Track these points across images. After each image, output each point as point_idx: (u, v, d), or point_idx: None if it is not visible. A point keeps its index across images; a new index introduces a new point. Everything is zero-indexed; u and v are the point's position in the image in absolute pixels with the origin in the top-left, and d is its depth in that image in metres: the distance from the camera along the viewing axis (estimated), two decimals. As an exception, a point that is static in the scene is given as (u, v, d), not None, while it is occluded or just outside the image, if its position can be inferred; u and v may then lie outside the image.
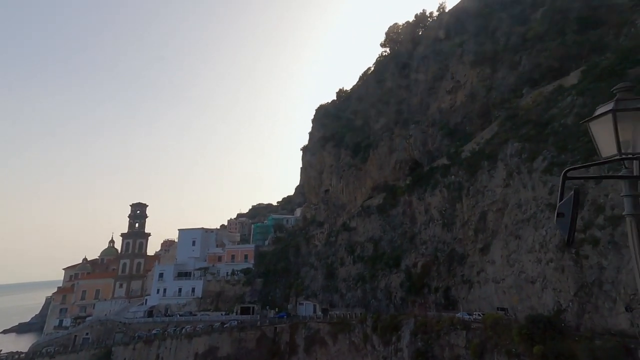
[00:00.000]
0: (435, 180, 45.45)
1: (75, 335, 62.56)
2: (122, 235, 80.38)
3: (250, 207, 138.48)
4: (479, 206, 37.64)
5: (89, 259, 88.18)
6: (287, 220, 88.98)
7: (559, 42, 40.01)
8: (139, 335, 57.22)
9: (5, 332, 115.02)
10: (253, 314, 59.90)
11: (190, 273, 70.07)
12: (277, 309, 59.89)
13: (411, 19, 76.79)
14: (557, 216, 1.81)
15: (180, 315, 61.68)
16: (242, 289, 65.85)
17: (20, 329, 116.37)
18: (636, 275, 1.81)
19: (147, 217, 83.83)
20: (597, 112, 2.17)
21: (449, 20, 62.84)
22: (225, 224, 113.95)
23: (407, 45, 70.36)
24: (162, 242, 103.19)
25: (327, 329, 48.18)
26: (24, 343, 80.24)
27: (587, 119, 2.27)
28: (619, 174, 2.01)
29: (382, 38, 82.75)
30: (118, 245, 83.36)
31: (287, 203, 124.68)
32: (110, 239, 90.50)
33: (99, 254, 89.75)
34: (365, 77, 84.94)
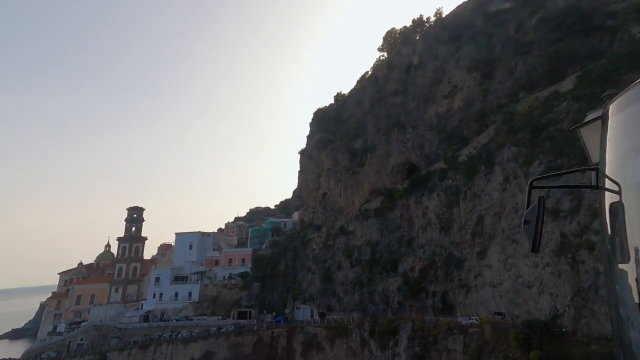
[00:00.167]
0: (433, 184, 45.59)
1: (70, 341, 61.87)
2: (119, 239, 79.82)
3: (248, 211, 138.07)
4: (476, 210, 37.76)
5: (84, 263, 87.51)
6: (285, 224, 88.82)
7: (555, 48, 40.41)
8: (135, 340, 56.67)
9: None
10: (250, 318, 59.55)
11: (187, 277, 69.63)
12: (274, 313, 59.57)
13: (408, 23, 77.38)
14: (524, 223, 1.88)
15: (176, 320, 61.19)
16: (239, 293, 65.48)
17: (14, 335, 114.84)
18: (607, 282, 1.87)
19: (143, 220, 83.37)
20: (587, 119, 2.21)
21: (446, 26, 63.39)
22: (223, 227, 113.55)
23: (404, 50, 70.80)
24: (158, 246, 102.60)
25: (325, 333, 47.95)
26: (17, 349, 79.17)
27: (577, 125, 2.33)
28: (580, 184, 2.08)
29: (380, 42, 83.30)
30: (114, 249, 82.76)
31: (284, 206, 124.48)
32: (106, 243, 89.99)
33: (94, 258, 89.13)
34: (362, 81, 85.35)
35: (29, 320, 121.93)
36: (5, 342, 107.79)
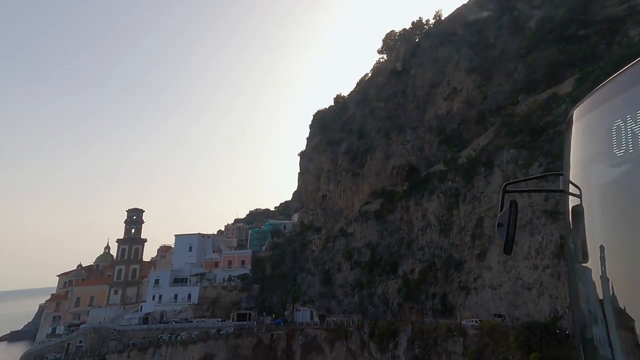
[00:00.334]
0: (432, 186, 45.64)
1: (69, 344, 61.66)
2: (118, 241, 79.74)
3: (248, 213, 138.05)
4: (475, 212, 37.80)
5: (84, 265, 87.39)
6: (285, 226, 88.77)
7: (553, 51, 40.58)
8: (134, 342, 56.52)
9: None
10: (249, 320, 59.42)
11: (186, 279, 69.51)
12: (274, 316, 59.45)
13: (408, 26, 77.60)
14: (498, 225, 1.97)
15: (175, 322, 61.05)
16: (238, 295, 65.36)
17: (12, 337, 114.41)
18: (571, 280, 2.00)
19: (143, 222, 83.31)
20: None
21: (445, 28, 63.61)
22: (223, 229, 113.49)
23: (403, 52, 71.00)
24: (158, 247, 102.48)
25: (324, 335, 47.89)
26: (15, 352, 78.95)
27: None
28: (549, 188, 2.16)
29: (379, 45, 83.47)
30: (114, 251, 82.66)
31: (284, 208, 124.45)
32: (105, 244, 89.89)
33: (94, 260, 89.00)
34: (362, 83, 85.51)
35: (28, 323, 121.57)
36: (4, 344, 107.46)
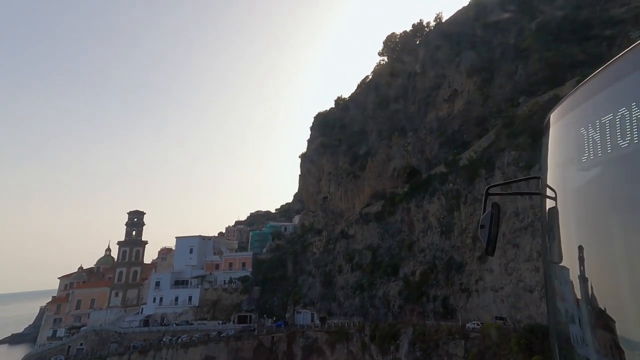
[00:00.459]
0: (433, 188, 45.59)
1: (69, 346, 61.54)
2: (119, 243, 79.74)
3: (249, 215, 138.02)
4: (476, 214, 37.70)
5: (85, 268, 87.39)
6: (285, 228, 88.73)
7: (554, 53, 40.61)
8: (135, 345, 56.42)
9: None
10: (250, 322, 59.26)
11: (187, 281, 69.46)
12: (274, 318, 59.31)
13: (408, 28, 77.77)
14: (480, 227, 2.02)
15: (176, 325, 60.93)
16: (239, 298, 65.26)
17: (13, 340, 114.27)
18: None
19: (144, 224, 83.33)
20: None
21: (446, 30, 63.72)
22: (223, 231, 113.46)
23: (404, 54, 71.12)
24: (159, 249, 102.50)
25: (325, 338, 47.75)
26: (16, 354, 78.88)
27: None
28: (530, 191, 2.26)
29: (380, 47, 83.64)
30: (115, 253, 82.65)
31: (285, 210, 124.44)
32: (106, 247, 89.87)
33: (95, 262, 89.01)
34: (363, 85, 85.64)
35: (29, 325, 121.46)
36: (4, 347, 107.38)
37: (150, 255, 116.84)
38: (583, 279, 1.46)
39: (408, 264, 45.87)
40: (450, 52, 56.92)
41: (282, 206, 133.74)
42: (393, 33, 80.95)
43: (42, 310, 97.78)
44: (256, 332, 54.06)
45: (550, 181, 1.89)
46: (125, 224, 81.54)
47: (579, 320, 1.51)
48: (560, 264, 1.69)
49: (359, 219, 58.16)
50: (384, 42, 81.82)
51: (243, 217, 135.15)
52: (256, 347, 51.83)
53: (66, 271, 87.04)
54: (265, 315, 60.69)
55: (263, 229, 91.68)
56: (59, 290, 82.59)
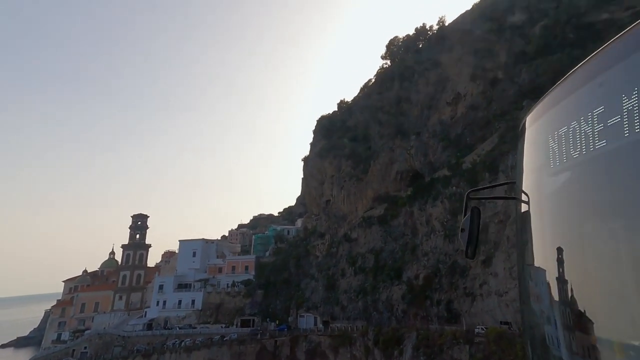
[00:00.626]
0: (437, 191, 45.41)
1: (74, 350, 61.77)
2: (123, 246, 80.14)
3: (252, 218, 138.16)
4: (480, 217, 37.46)
5: (89, 271, 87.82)
6: (288, 231, 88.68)
7: (558, 56, 40.47)
8: (138, 348, 56.50)
9: (3, 346, 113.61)
10: (253, 326, 59.18)
11: (190, 285, 69.57)
12: (277, 322, 59.15)
13: (411, 32, 77.88)
14: (461, 231, 2.08)
15: (179, 328, 60.98)
16: (242, 301, 65.21)
17: (19, 343, 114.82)
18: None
19: (147, 228, 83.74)
20: None
21: (448, 34, 63.72)
22: (226, 234, 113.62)
23: (407, 58, 71.19)
24: (162, 253, 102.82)
25: (328, 342, 47.54)
26: (22, 358, 79.29)
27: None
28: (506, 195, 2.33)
29: (383, 50, 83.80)
30: (119, 256, 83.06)
31: (288, 213, 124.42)
32: (110, 250, 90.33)
33: (99, 266, 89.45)
34: (366, 89, 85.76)
35: (34, 329, 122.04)
36: (10, 350, 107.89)
37: (153, 258, 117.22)
38: (555, 280, 1.50)
39: (411, 267, 45.62)
40: (453, 55, 56.89)
41: (285, 209, 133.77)
42: (396, 37, 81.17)
43: (47, 314, 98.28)
44: (259, 335, 53.94)
45: (524, 185, 1.93)
46: (129, 227, 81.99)
47: (551, 321, 1.55)
48: (533, 266, 1.74)
49: (361, 223, 58.02)
50: (387, 46, 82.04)
51: (246, 221, 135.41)
52: (259, 351, 51.70)
53: (71, 274, 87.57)
54: (268, 319, 60.55)
55: (266, 232, 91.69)
56: (64, 293, 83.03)
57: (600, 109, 1.35)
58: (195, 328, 60.49)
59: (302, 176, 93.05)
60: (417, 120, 60.41)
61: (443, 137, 52.00)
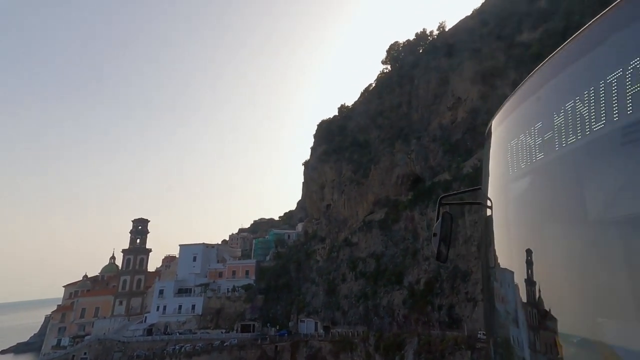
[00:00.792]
0: (437, 195, 45.22)
1: (73, 355, 61.48)
2: (123, 251, 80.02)
3: (252, 222, 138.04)
4: (481, 222, 37.40)
5: (90, 276, 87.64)
6: (289, 236, 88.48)
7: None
8: (138, 354, 56.20)
9: (3, 352, 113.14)
10: (254, 331, 58.87)
11: (190, 289, 69.32)
12: (278, 327, 58.86)
13: (412, 37, 78.27)
14: (433, 236, 2.12)
15: (179, 334, 60.67)
16: (242, 306, 64.94)
17: (18, 349, 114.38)
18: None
19: (148, 232, 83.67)
20: None
21: (448, 39, 64.05)
22: (227, 238, 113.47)
23: (407, 63, 71.49)
24: (163, 257, 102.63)
25: (329, 347, 47.24)
26: (21, 362, 78.85)
27: None
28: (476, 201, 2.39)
29: (383, 55, 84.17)
30: (119, 261, 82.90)
31: (288, 218, 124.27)
32: (111, 255, 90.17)
33: (99, 271, 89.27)
34: (366, 93, 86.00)
35: (34, 334, 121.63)
36: (10, 356, 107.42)
37: (154, 263, 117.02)
38: (516, 282, 1.54)
39: (412, 272, 45.42)
40: (453, 60, 57.13)
41: (285, 213, 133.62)
42: (396, 42, 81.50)
43: (48, 319, 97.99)
44: (259, 341, 53.65)
45: (488, 190, 1.99)
46: (130, 232, 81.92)
47: (513, 321, 1.60)
48: (495, 268, 1.81)
49: (362, 227, 57.90)
50: (387, 51, 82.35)
51: (247, 225, 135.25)
52: (259, 357, 51.40)
53: (72, 279, 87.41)
54: (268, 324, 60.25)
55: (266, 237, 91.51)
56: (64, 298, 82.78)
57: (557, 114, 1.37)
58: (195, 333, 60.19)
59: (302, 180, 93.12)
60: (417, 124, 60.51)
61: (444, 142, 52.04)
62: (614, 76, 1.12)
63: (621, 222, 1.04)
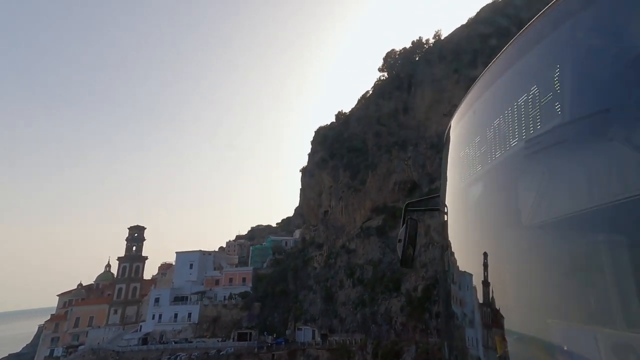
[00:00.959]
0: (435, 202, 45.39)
1: (66, 365, 60.41)
2: (119, 259, 79.27)
3: (250, 229, 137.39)
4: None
5: (85, 284, 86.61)
6: (286, 242, 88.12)
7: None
8: (132, 364, 55.29)
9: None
10: (250, 340, 58.16)
11: (187, 297, 68.57)
12: (275, 335, 58.22)
13: (408, 45, 79.13)
14: (398, 242, 2.15)
15: (175, 343, 59.82)
16: (239, 314, 64.26)
17: None
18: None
19: (144, 239, 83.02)
20: None
21: (444, 46, 64.85)
22: (224, 245, 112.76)
23: (404, 70, 72.19)
24: (159, 265, 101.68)
25: (327, 355, 46.73)
26: (13, 373, 77.30)
27: None
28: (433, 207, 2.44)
29: (380, 63, 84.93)
30: (115, 269, 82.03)
31: (286, 224, 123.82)
32: (106, 263, 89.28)
33: (94, 279, 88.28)
34: (363, 100, 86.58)
35: (27, 344, 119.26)
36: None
37: (150, 270, 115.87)
38: (469, 285, 1.58)
39: (410, 279, 45.23)
40: (449, 68, 57.77)
41: (283, 220, 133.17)
42: (393, 49, 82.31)
43: (41, 329, 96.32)
44: (256, 349, 52.99)
45: (444, 196, 2.02)
46: (126, 239, 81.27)
47: (466, 322, 1.64)
48: (450, 272, 1.87)
49: (359, 233, 57.78)
50: (383, 58, 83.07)
51: (244, 231, 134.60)
52: (256, 366, 50.73)
53: (66, 288, 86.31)
54: (265, 332, 59.59)
55: (264, 244, 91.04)
56: (58, 307, 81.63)
57: (501, 117, 1.36)
58: (191, 342, 59.38)
59: (300, 187, 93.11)
60: (414, 131, 60.88)
61: (441, 148, 52.16)
62: (556, 75, 1.10)
63: (570, 223, 1.03)
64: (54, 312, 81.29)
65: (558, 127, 1.09)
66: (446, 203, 1.97)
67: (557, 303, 1.09)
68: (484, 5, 65.21)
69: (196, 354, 54.10)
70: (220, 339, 59.58)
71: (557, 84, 1.12)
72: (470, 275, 1.56)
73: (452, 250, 1.83)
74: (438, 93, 58.26)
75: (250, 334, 59.75)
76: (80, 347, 65.08)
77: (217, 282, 71.84)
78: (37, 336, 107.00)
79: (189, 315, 64.94)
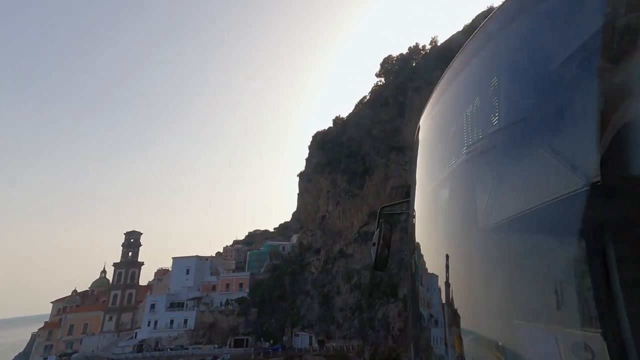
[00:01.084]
0: (431, 206, 45.49)
1: (60, 373, 59.45)
2: (114, 264, 78.48)
3: (247, 234, 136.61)
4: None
5: (79, 290, 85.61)
6: (284, 247, 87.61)
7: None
8: (127, 371, 54.52)
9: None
10: (247, 346, 57.58)
11: (183, 303, 67.88)
12: (272, 341, 57.68)
13: (405, 51, 79.81)
14: (372, 245, 2.18)
15: (171, 349, 59.11)
16: (236, 320, 63.66)
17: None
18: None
19: (141, 245, 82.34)
20: None
21: (441, 53, 65.45)
22: (221, 251, 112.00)
23: (401, 76, 72.71)
24: (155, 271, 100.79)
25: (324, 362, 46.30)
26: (5, 382, 76.00)
27: None
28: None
29: (377, 68, 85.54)
30: (110, 275, 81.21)
31: (284, 229, 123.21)
32: (102, 269, 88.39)
33: (89, 285, 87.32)
34: (361, 105, 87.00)
35: (20, 353, 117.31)
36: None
37: (146, 276, 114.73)
38: (434, 286, 1.61)
39: (407, 284, 45.12)
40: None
41: (280, 225, 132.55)
42: (390, 55, 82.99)
43: (34, 337, 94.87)
44: (253, 356, 52.44)
45: (414, 199, 2.04)
46: (122, 245, 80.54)
47: (434, 322, 1.67)
48: (416, 274, 1.90)
49: (357, 238, 57.66)
50: (381, 64, 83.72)
51: (241, 236, 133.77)
52: (253, 373, 50.18)
53: (62, 294, 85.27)
54: (262, 339, 59.03)
55: (261, 249, 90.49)
56: (52, 315, 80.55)
57: (465, 115, 1.35)
58: (187, 349, 58.71)
59: (297, 192, 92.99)
60: (411, 136, 60.79)
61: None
62: (516, 70, 1.09)
63: (522, 223, 1.02)
64: (47, 320, 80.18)
65: (508, 129, 1.08)
66: (414, 206, 1.99)
67: (520, 303, 1.08)
68: (479, 12, 66.02)
69: (192, 361, 53.47)
70: (216, 346, 58.95)
71: (508, 85, 1.11)
72: (436, 276, 1.59)
73: (419, 252, 1.87)
74: (434, 98, 58.64)
75: (247, 340, 59.18)
76: (74, 355, 64.05)
77: (213, 288, 71.21)
78: (30, 344, 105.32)
79: (185, 321, 64.24)
